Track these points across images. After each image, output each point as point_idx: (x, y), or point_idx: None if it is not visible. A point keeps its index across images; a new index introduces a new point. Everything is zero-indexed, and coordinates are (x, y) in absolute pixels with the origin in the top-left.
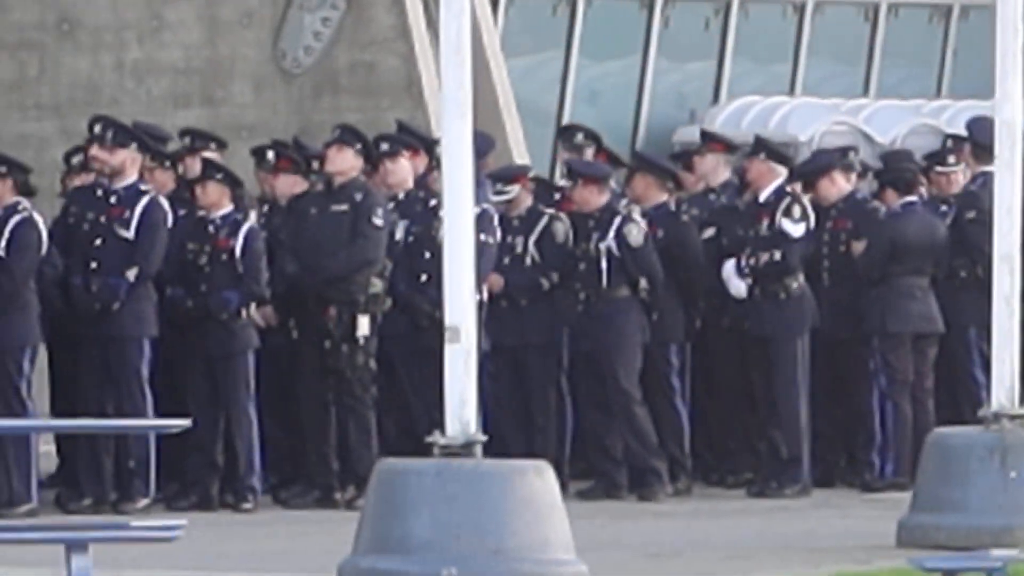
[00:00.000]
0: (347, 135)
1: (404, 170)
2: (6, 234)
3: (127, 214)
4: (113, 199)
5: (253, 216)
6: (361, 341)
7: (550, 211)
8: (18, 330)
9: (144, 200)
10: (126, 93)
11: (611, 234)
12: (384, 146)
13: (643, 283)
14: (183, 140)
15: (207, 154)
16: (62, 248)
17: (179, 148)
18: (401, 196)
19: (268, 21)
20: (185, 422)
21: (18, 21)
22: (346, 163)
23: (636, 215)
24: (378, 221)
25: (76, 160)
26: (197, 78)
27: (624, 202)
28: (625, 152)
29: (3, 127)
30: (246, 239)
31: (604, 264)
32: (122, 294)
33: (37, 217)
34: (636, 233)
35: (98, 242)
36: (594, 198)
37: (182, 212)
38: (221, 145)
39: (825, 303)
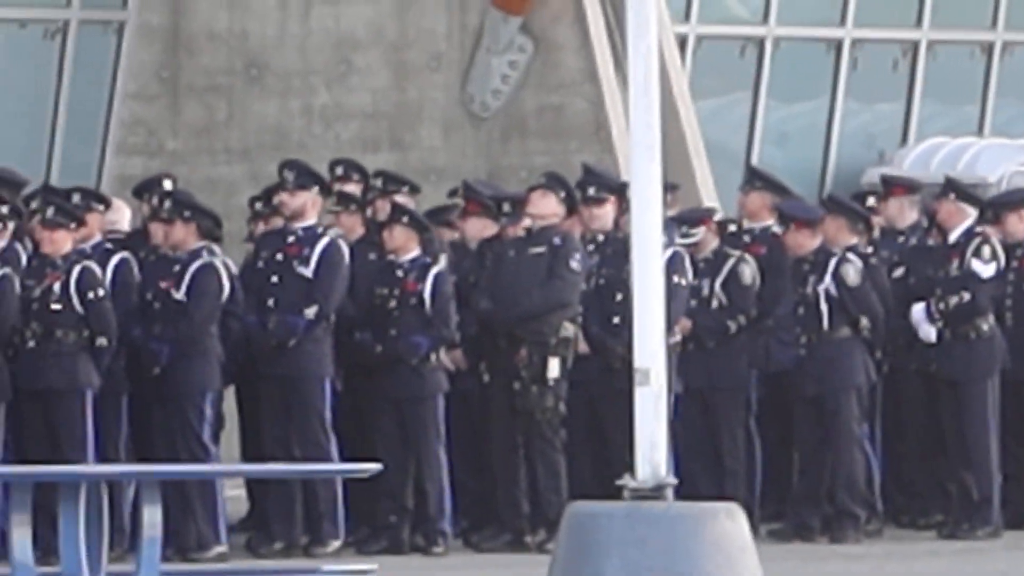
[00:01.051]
0: (552, 181)
1: (609, 215)
2: (187, 279)
3: (306, 251)
4: (291, 238)
5: (444, 260)
6: (551, 383)
7: (736, 253)
8: (199, 375)
9: (324, 240)
10: (314, 138)
11: (828, 276)
12: (591, 191)
13: (864, 322)
14: (375, 182)
15: (399, 198)
16: (249, 292)
17: (371, 191)
18: (600, 239)
19: (456, 65)
20: (375, 466)
21: (207, 66)
22: (548, 208)
23: (851, 255)
24: (575, 265)
25: (259, 206)
26: (385, 122)
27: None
28: (814, 194)
29: (192, 171)
30: (435, 283)
31: (824, 306)
32: (299, 332)
33: (219, 263)
34: (853, 274)
35: (275, 279)
36: (808, 241)
37: (372, 256)
38: (414, 189)
39: (1009, 343)
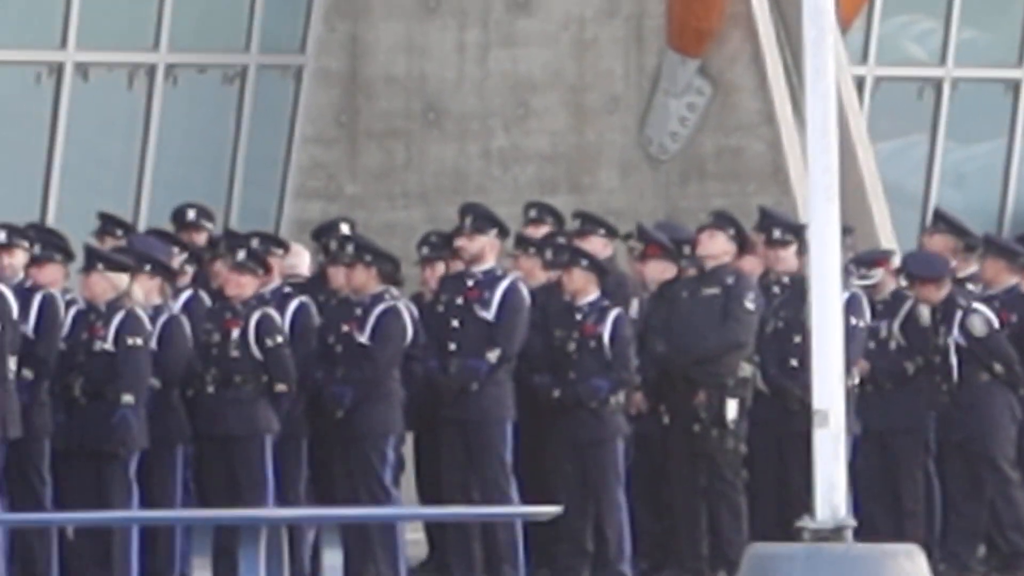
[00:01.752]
0: (721, 220)
1: (792, 257)
2: (371, 322)
3: (486, 295)
4: (471, 282)
5: (635, 303)
6: (730, 425)
7: (911, 295)
8: (381, 418)
9: (505, 283)
10: (493, 180)
11: (955, 327)
12: (777, 233)
13: (998, 368)
14: (574, 222)
15: (596, 240)
16: (430, 336)
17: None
18: (786, 281)
19: (634, 107)
20: (556, 509)
21: (385, 110)
22: (718, 248)
23: (977, 305)
24: (749, 305)
25: (425, 251)
26: (564, 164)
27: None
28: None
29: (371, 216)
30: (614, 326)
31: (953, 358)
32: (481, 376)
33: (403, 306)
34: (979, 325)
35: (456, 323)
36: (933, 293)
37: (548, 299)
38: (612, 232)
39: None
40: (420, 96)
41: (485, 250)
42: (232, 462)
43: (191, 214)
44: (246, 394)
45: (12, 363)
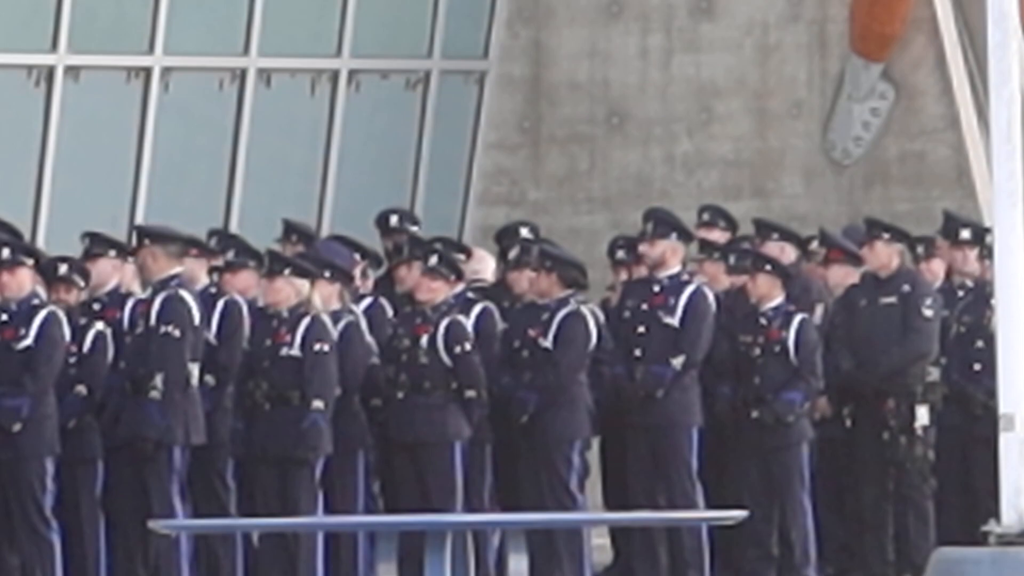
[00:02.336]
0: (876, 229)
1: (975, 261)
2: (554, 327)
3: (671, 301)
4: (656, 288)
5: (820, 309)
6: (920, 432)
7: None
8: (566, 423)
9: (690, 288)
10: (676, 186)
11: None
12: (964, 235)
13: None
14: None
15: (771, 245)
16: (616, 341)
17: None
18: (970, 284)
19: (817, 112)
20: (742, 513)
21: (569, 116)
22: (882, 256)
23: None
24: (928, 312)
25: (620, 254)
26: (747, 170)
27: None
28: None
29: (554, 221)
30: (799, 331)
31: None
32: (667, 382)
33: (587, 311)
34: None
35: (641, 329)
36: None
37: (733, 304)
38: (787, 237)
39: None
40: (603, 101)
41: (667, 255)
42: (422, 468)
43: (394, 219)
44: (436, 400)
45: (195, 370)
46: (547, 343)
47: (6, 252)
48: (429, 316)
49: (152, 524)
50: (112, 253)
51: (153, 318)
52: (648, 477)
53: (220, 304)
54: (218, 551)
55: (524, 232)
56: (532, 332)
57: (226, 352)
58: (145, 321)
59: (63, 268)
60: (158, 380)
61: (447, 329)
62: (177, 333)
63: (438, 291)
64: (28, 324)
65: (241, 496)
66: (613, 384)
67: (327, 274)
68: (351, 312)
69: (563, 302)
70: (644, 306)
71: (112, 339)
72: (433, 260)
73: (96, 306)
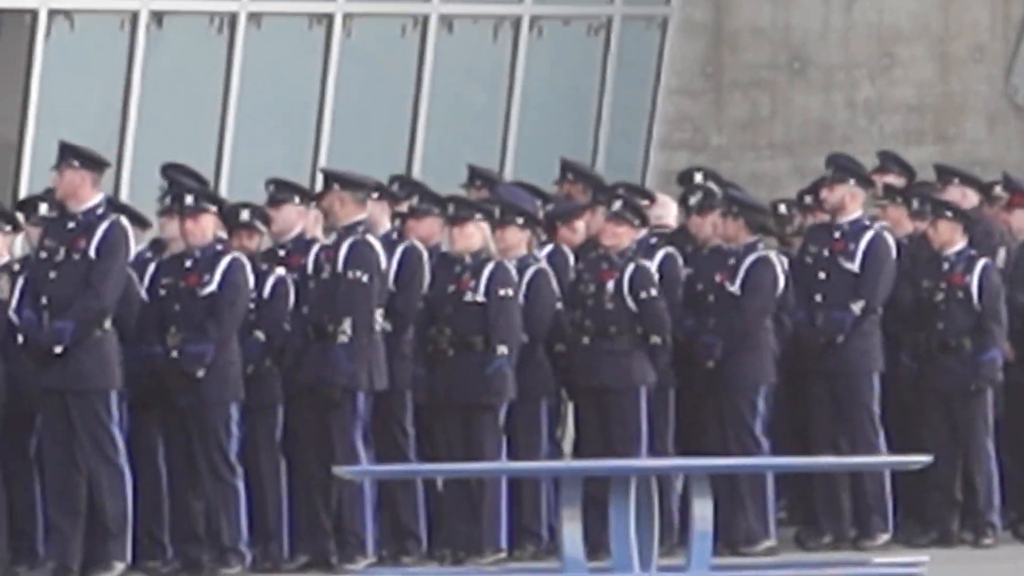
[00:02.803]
0: None
1: None
2: (741, 273)
3: (851, 246)
4: (837, 234)
5: (1003, 254)
6: None
7: None
8: (752, 369)
9: (870, 233)
10: (858, 131)
11: None
12: None
13: None
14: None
15: (952, 189)
16: (797, 287)
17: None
18: None
19: (1000, 56)
20: (926, 458)
21: (751, 61)
22: None
23: None
24: None
25: (808, 200)
26: (930, 115)
27: None
28: None
29: (736, 167)
30: (982, 275)
31: None
32: (847, 327)
33: (774, 257)
34: None
35: (822, 275)
36: None
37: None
38: (968, 181)
39: None
40: (785, 46)
41: (846, 200)
42: (607, 414)
43: (570, 175)
44: (621, 346)
45: (379, 315)
46: (734, 288)
47: (189, 199)
48: (615, 261)
49: (336, 470)
50: (296, 199)
51: (340, 264)
52: (830, 423)
53: (399, 250)
54: (398, 497)
55: (698, 178)
56: (718, 277)
57: (404, 298)
58: (332, 267)
59: (245, 214)
60: (346, 325)
61: (633, 274)
62: (365, 278)
63: (623, 236)
64: (212, 270)
65: (420, 442)
66: (795, 330)
67: (520, 220)
68: (537, 259)
69: (751, 247)
70: (825, 251)
71: (293, 285)
72: (617, 205)
73: (281, 252)
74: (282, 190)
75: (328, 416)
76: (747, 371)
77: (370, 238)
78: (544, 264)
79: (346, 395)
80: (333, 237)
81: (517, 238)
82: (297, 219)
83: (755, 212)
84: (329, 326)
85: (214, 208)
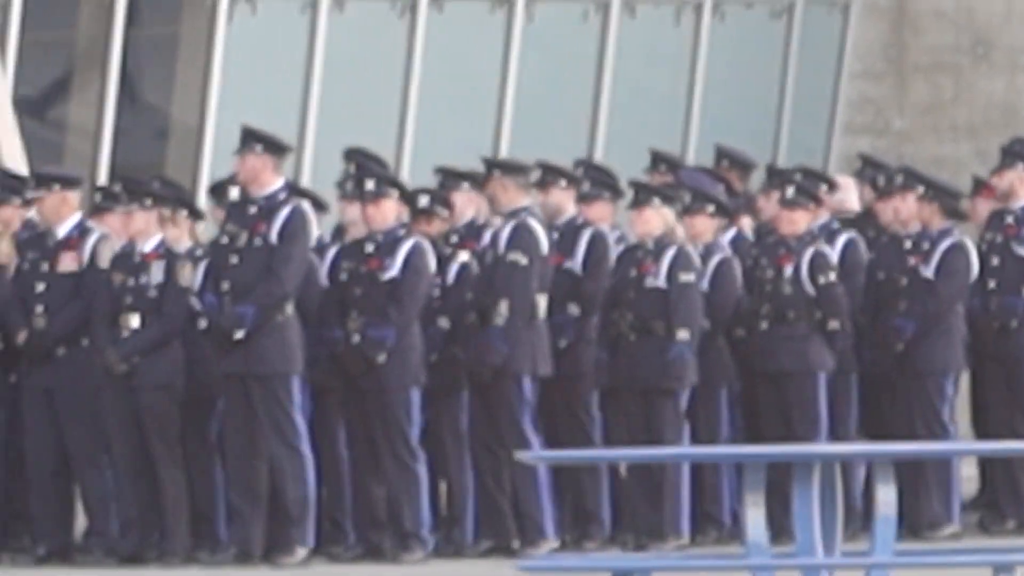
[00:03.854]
0: None
1: None
2: (936, 257)
3: (1023, 232)
4: (1010, 219)
5: None
6: None
7: None
8: (942, 354)
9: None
10: None
11: None
12: None
13: None
14: None
15: None
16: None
17: None
18: None
19: None
20: None
21: (933, 44)
22: None
23: None
24: None
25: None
26: None
27: None
28: None
29: (918, 150)
30: None
31: None
32: (1019, 313)
33: (968, 242)
34: None
35: (995, 261)
36: None
37: None
38: None
39: None
40: (968, 30)
41: (1015, 185)
42: (785, 398)
43: (725, 162)
44: (799, 330)
45: (542, 301)
46: (928, 273)
47: (371, 184)
48: (792, 246)
49: (518, 455)
50: (466, 185)
51: (501, 246)
52: (1007, 407)
53: (586, 234)
54: (583, 482)
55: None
56: (913, 261)
57: (591, 282)
58: (494, 250)
59: (424, 200)
60: (503, 307)
61: (811, 259)
62: (524, 261)
63: (798, 221)
64: (393, 255)
65: (605, 426)
66: (968, 316)
67: (711, 209)
68: (723, 247)
69: (945, 232)
70: (998, 238)
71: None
72: (790, 191)
73: (454, 238)
74: (451, 177)
75: (492, 400)
76: (938, 355)
77: (532, 222)
78: (729, 252)
79: (503, 377)
80: (500, 223)
81: (705, 225)
82: (467, 204)
83: (949, 197)
84: (489, 308)
85: (395, 192)
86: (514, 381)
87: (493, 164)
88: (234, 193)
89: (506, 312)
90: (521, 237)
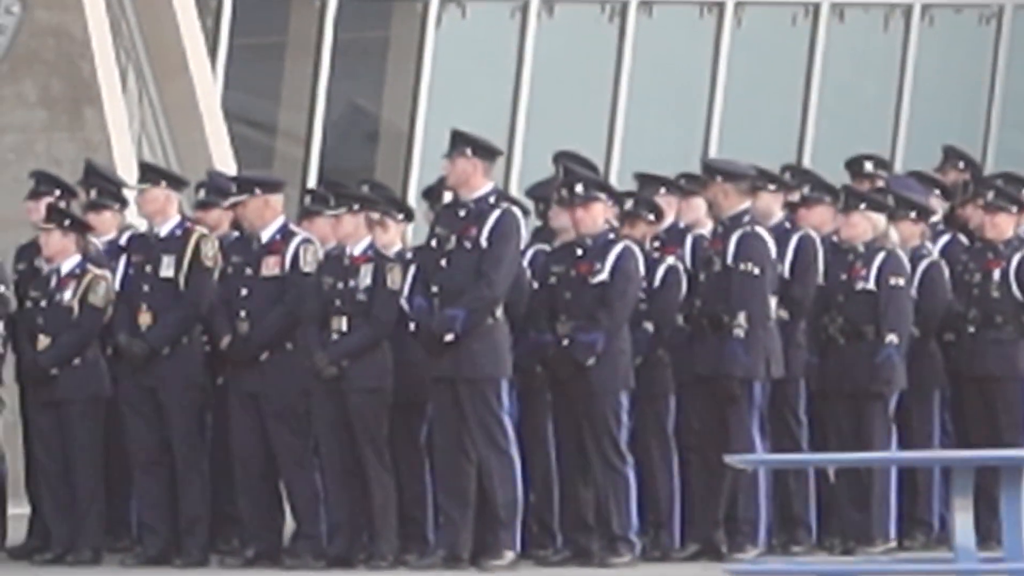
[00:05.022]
0: None
1: None
2: None
3: None
4: None
5: None
6: None
7: None
8: None
9: None
10: None
11: None
12: None
13: None
14: None
15: None
16: None
17: None
18: None
19: None
20: None
21: None
22: None
23: None
24: None
25: None
26: None
27: None
28: None
29: None
30: None
31: None
32: None
33: None
34: None
35: None
36: None
37: None
38: None
39: None
40: None
41: None
42: (992, 403)
43: (868, 165)
44: (1007, 335)
45: (773, 303)
46: None
47: (580, 187)
48: (1000, 251)
49: (729, 459)
50: (663, 190)
51: (730, 256)
52: None
53: (794, 239)
54: (790, 486)
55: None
56: None
57: (800, 286)
58: (721, 259)
59: (629, 203)
60: (741, 318)
61: (1020, 264)
62: (757, 271)
63: (1002, 226)
64: (603, 259)
65: (813, 431)
66: None
67: (913, 215)
68: (930, 251)
69: None
70: None
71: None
72: (990, 196)
73: (655, 243)
74: (648, 182)
75: (725, 406)
76: None
77: (759, 229)
78: (937, 256)
79: (743, 385)
80: (719, 228)
81: (910, 231)
82: (667, 209)
83: None
84: (724, 318)
85: (603, 196)
86: (747, 387)
87: (714, 169)
88: (447, 197)
89: (745, 323)
90: (751, 246)
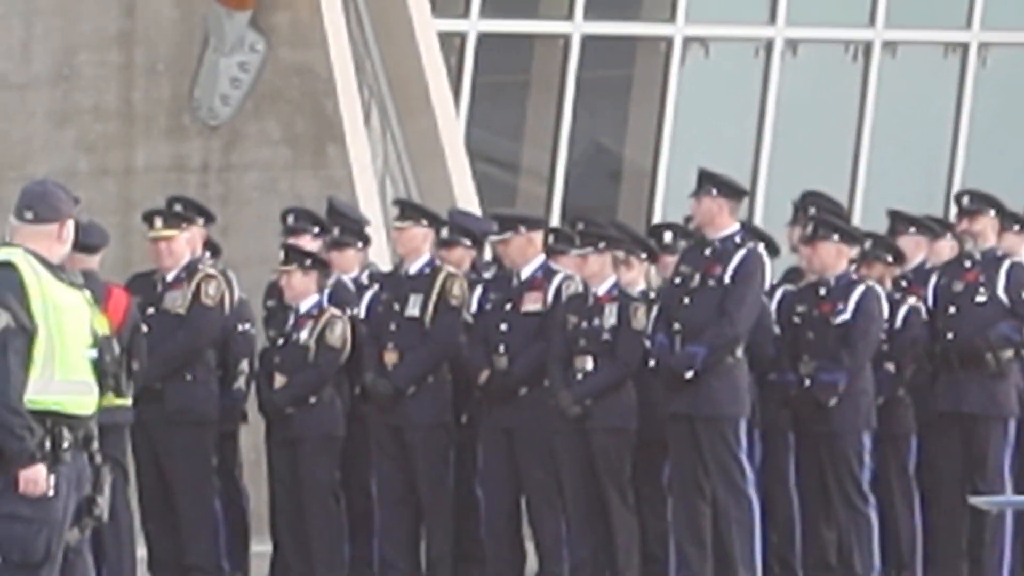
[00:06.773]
0: None
1: None
2: None
3: None
4: None
5: None
6: None
7: None
8: None
9: None
10: None
11: None
12: None
13: None
14: None
15: None
16: None
17: None
18: None
19: None
20: None
21: None
22: None
23: None
24: None
25: None
26: None
27: None
28: None
29: None
30: None
31: None
32: None
33: None
34: None
35: None
36: None
37: None
38: None
39: None
40: None
41: None
42: None
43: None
44: None
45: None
46: None
47: (810, 227)
48: None
49: (973, 500)
50: (912, 229)
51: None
52: None
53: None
54: None
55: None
56: None
57: None
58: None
59: (868, 244)
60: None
61: None
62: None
63: None
64: (846, 299)
65: None
66: None
67: None
68: None
69: None
70: None
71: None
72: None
73: (903, 283)
74: (901, 221)
75: (972, 444)
76: None
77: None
78: None
79: (997, 422)
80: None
81: None
82: (916, 249)
83: None
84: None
85: (836, 236)
86: (1001, 424)
87: (988, 206)
88: (667, 237)
89: (993, 361)
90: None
